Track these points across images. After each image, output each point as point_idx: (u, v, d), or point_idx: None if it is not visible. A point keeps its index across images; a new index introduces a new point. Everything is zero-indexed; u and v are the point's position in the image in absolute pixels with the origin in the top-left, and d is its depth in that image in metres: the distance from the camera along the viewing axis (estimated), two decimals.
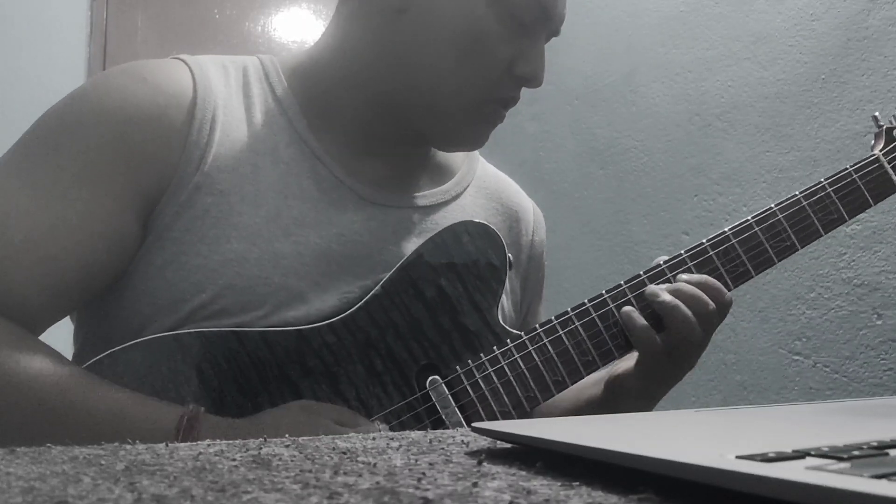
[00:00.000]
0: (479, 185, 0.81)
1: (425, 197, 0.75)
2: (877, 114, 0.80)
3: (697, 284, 0.67)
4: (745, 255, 0.70)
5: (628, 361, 0.71)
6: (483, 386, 0.65)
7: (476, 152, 0.83)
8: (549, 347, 0.66)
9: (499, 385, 0.65)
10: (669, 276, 0.69)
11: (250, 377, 0.60)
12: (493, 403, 0.64)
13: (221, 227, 0.63)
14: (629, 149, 1.75)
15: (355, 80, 0.70)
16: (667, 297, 0.66)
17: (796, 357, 1.34)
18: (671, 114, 1.65)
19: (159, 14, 2.17)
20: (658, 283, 0.68)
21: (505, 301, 0.76)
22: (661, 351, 0.66)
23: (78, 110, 0.64)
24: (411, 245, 0.71)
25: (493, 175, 0.85)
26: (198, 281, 0.62)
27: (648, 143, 1.70)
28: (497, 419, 0.64)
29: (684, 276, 0.68)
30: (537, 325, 0.67)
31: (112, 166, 0.62)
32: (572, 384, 0.67)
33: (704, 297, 0.66)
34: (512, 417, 0.65)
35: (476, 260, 0.69)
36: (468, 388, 0.64)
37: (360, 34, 0.70)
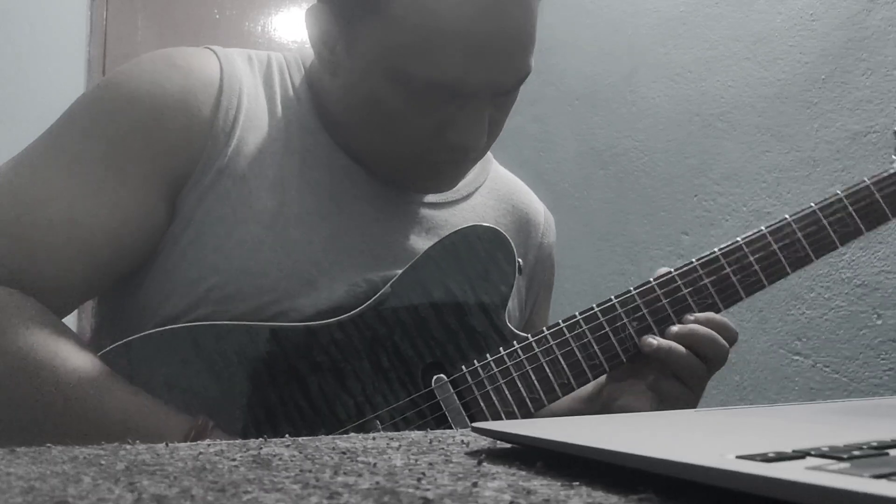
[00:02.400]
0: (491, 187, 0.82)
1: (438, 194, 0.76)
2: None
3: (707, 323, 0.67)
4: (757, 264, 0.69)
5: (634, 398, 0.70)
6: (488, 386, 0.65)
7: (489, 154, 0.83)
8: (556, 350, 0.66)
9: (503, 385, 0.65)
10: (680, 283, 0.68)
11: (259, 371, 0.61)
12: (497, 403, 0.65)
13: (240, 211, 0.65)
14: (629, 149, 1.75)
15: (334, 113, 0.71)
16: (661, 342, 0.66)
17: (796, 357, 1.34)
18: (671, 114, 1.65)
19: (159, 14, 2.17)
20: (669, 296, 0.68)
21: (510, 301, 0.76)
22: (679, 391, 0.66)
23: (110, 95, 0.66)
24: (419, 240, 0.72)
25: (505, 177, 0.85)
26: (214, 262, 0.63)
27: (648, 143, 1.70)
28: (501, 419, 0.64)
29: (690, 318, 0.67)
30: (544, 328, 0.67)
31: (143, 149, 0.63)
32: (578, 387, 0.67)
33: (717, 336, 0.66)
34: (516, 418, 0.65)
35: (485, 263, 0.69)
36: (473, 387, 0.65)
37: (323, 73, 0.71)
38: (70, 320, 0.70)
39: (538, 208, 0.86)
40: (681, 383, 0.66)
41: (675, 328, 0.66)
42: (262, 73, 0.72)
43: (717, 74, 1.56)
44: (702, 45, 1.60)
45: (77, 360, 0.57)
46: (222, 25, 2.24)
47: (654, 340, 0.66)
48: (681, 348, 0.65)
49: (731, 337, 0.67)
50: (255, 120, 0.68)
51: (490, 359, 0.66)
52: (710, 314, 0.68)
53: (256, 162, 0.67)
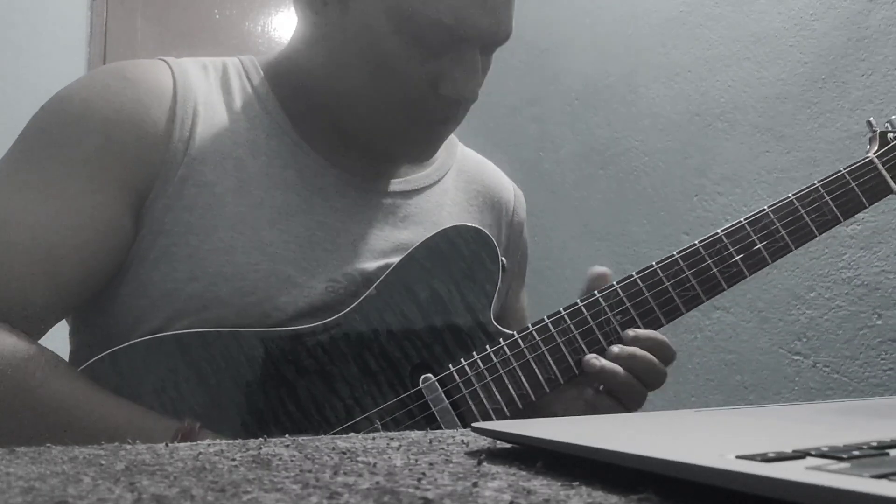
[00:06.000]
0: (460, 169, 0.83)
1: (407, 182, 0.77)
2: (871, 119, 0.81)
3: (647, 341, 0.66)
4: (737, 255, 0.70)
5: (565, 407, 0.70)
6: (475, 384, 0.65)
7: (454, 137, 0.83)
8: (542, 346, 0.67)
9: (491, 383, 0.66)
10: (662, 276, 0.69)
11: (247, 377, 0.61)
12: (485, 401, 0.65)
13: (208, 218, 0.64)
14: (629, 149, 1.74)
15: (315, 82, 0.71)
16: (605, 364, 0.65)
17: (796, 357, 1.34)
18: (671, 114, 1.65)
19: (159, 15, 2.17)
20: (651, 289, 0.68)
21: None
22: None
23: (65, 111, 0.66)
24: (394, 230, 0.73)
25: (472, 158, 0.86)
26: (189, 270, 0.63)
27: (648, 143, 1.70)
28: (490, 417, 0.65)
29: (630, 334, 0.67)
30: (529, 325, 0.68)
31: (102, 164, 0.63)
32: (564, 382, 0.67)
33: (655, 361, 0.66)
34: (504, 415, 0.65)
35: (469, 263, 0.69)
36: (461, 385, 0.65)
37: (303, 44, 0.72)
38: (63, 329, 0.70)
39: (507, 185, 0.87)
40: (617, 402, 0.66)
41: (615, 349, 0.66)
42: (218, 80, 0.72)
43: (717, 74, 1.56)
44: (702, 45, 1.60)
45: (56, 373, 0.56)
46: (222, 25, 2.24)
47: (597, 362, 0.66)
48: (622, 372, 0.65)
49: (668, 356, 0.67)
50: (213, 127, 0.68)
51: (477, 357, 0.66)
52: (650, 332, 0.67)
53: (220, 168, 0.66)
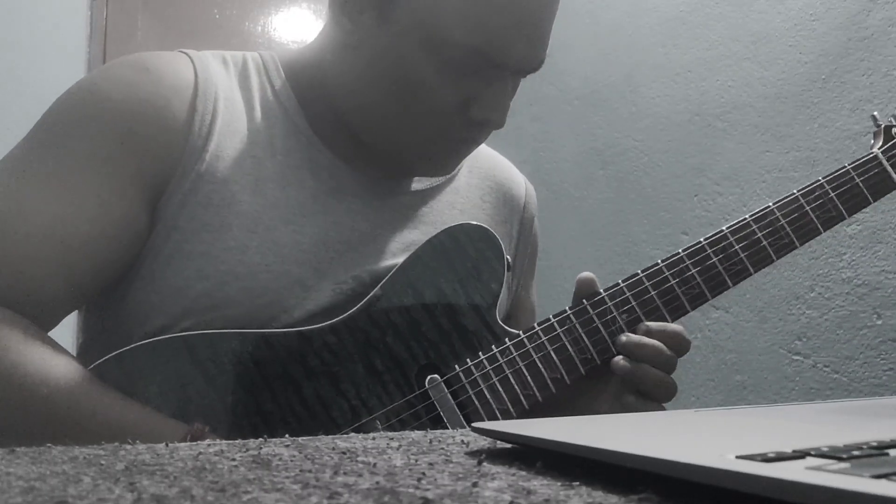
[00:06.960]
0: (472, 165, 0.82)
1: (421, 181, 0.77)
2: (875, 113, 0.80)
3: (659, 334, 0.66)
4: (742, 252, 0.70)
5: (592, 400, 0.70)
6: (482, 384, 0.65)
7: None
8: (548, 346, 0.67)
9: (497, 383, 0.65)
10: (667, 274, 0.69)
11: (254, 378, 0.61)
12: (491, 401, 0.65)
13: (223, 216, 0.64)
14: (629, 149, 1.74)
15: (340, 89, 0.71)
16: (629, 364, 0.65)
17: (796, 357, 1.34)
18: (671, 114, 1.65)
19: (159, 14, 2.17)
20: (657, 287, 0.68)
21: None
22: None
23: (83, 103, 0.65)
24: (406, 230, 0.72)
25: (484, 154, 0.86)
26: (201, 268, 0.62)
27: (648, 143, 1.70)
28: (496, 417, 0.65)
29: (643, 327, 0.66)
30: (535, 325, 0.68)
31: (119, 157, 0.63)
32: (571, 382, 0.67)
33: (662, 347, 0.65)
34: (511, 415, 0.65)
35: (474, 262, 0.69)
36: (467, 386, 0.65)
37: (330, 48, 0.71)
38: (67, 335, 0.70)
39: (519, 181, 0.87)
40: (643, 399, 0.65)
41: (623, 338, 0.66)
42: (237, 75, 0.71)
43: (717, 74, 1.56)
44: (702, 45, 1.60)
45: (67, 373, 0.56)
46: (222, 25, 2.24)
47: (626, 363, 0.65)
48: (651, 369, 0.64)
49: (683, 347, 0.66)
50: (232, 123, 0.67)
51: (483, 357, 0.66)
52: (663, 324, 0.67)
53: (237, 165, 0.66)
